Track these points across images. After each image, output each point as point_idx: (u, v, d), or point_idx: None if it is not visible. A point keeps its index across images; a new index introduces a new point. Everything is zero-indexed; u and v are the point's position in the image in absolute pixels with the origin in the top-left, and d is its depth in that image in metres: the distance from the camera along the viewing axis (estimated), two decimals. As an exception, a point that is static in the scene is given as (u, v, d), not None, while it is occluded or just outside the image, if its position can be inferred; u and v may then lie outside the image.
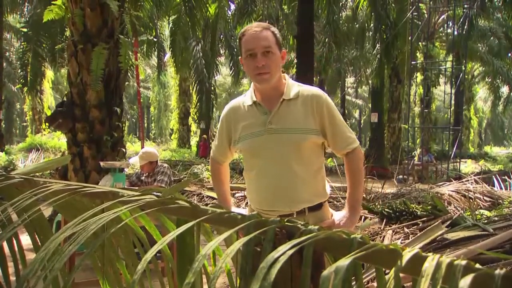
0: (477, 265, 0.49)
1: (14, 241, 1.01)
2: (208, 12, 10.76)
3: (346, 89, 25.44)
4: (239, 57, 1.72)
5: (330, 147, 1.72)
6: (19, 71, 13.60)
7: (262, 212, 1.67)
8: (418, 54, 15.40)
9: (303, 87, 1.70)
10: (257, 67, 1.58)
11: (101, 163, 4.25)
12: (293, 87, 1.68)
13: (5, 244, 1.00)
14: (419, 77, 16.32)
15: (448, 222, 3.96)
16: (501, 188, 6.68)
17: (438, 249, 3.35)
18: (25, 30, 13.06)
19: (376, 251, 0.55)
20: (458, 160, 12.68)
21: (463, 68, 13.65)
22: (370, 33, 15.13)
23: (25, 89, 13.85)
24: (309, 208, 1.65)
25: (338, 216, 1.69)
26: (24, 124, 25.12)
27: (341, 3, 13.80)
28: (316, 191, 1.68)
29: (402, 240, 3.98)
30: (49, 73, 19.18)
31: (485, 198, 5.68)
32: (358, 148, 1.72)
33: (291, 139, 1.61)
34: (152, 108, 31.79)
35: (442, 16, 17.32)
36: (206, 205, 0.81)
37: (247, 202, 7.10)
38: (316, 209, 1.68)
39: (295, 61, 8.89)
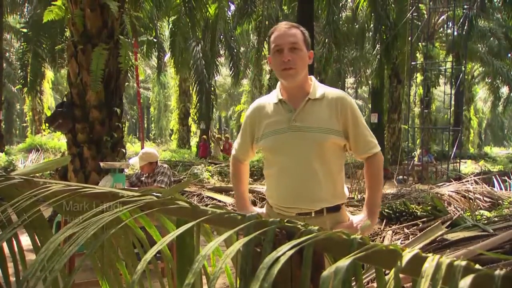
0: (477, 266, 0.49)
1: (14, 242, 1.01)
2: (208, 13, 10.78)
3: (346, 89, 25.45)
4: (268, 56, 1.75)
5: (351, 150, 1.73)
6: (19, 71, 13.62)
7: (281, 209, 1.69)
8: (418, 54, 15.40)
9: (328, 89, 1.73)
10: (283, 62, 1.61)
11: (101, 164, 4.25)
12: (319, 88, 1.71)
13: (5, 245, 1.00)
14: (419, 77, 16.32)
15: (448, 223, 3.96)
16: (501, 189, 6.68)
17: (438, 250, 3.35)
18: (25, 30, 13.07)
19: (376, 251, 0.55)
20: (458, 161, 12.68)
21: (463, 69, 13.63)
22: (370, 33, 15.14)
23: (25, 89, 13.84)
24: (327, 209, 1.66)
25: (356, 219, 1.70)
26: (24, 124, 25.09)
27: (341, 4, 13.81)
28: (335, 192, 1.69)
29: (402, 240, 3.98)
30: (49, 74, 19.18)
31: (485, 198, 5.68)
32: (379, 153, 1.74)
33: (314, 138, 1.62)
34: (152, 109, 31.80)
35: (442, 17, 17.33)
36: (206, 205, 0.81)
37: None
38: (335, 210, 1.69)
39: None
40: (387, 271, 0.55)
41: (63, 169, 5.45)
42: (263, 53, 15.30)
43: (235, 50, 15.27)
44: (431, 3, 13.02)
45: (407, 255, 0.53)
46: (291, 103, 1.68)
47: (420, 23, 12.76)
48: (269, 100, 1.75)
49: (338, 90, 1.76)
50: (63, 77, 22.60)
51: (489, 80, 20.25)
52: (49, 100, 20.13)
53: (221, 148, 15.51)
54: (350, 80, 26.67)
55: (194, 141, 21.77)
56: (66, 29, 9.77)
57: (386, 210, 4.82)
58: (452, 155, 13.19)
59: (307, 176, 1.62)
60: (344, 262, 0.51)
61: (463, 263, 0.49)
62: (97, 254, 1.00)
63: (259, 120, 1.74)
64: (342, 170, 1.74)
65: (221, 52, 16.09)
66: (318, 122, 1.63)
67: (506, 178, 7.33)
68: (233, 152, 1.93)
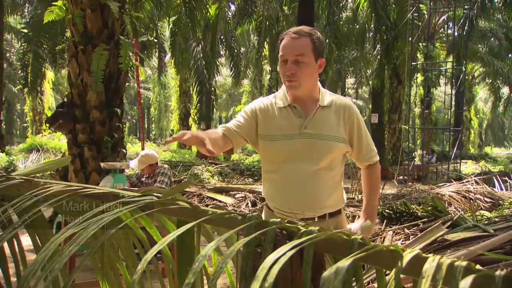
0: (478, 266, 0.49)
1: (15, 242, 1.01)
2: (208, 13, 10.77)
3: (346, 90, 25.44)
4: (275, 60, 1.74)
5: (353, 158, 1.76)
6: (20, 72, 13.62)
7: (283, 213, 1.66)
8: (418, 55, 15.38)
9: (335, 96, 1.74)
10: (286, 74, 1.59)
11: (102, 164, 4.25)
12: (326, 95, 1.71)
13: (6, 245, 1.00)
14: (419, 78, 16.31)
15: (449, 223, 3.96)
16: (501, 189, 6.68)
17: (439, 250, 3.35)
18: (25, 31, 13.07)
19: (376, 252, 0.55)
20: (459, 161, 12.67)
21: (463, 69, 13.63)
22: (371, 34, 15.12)
23: (26, 90, 13.85)
24: (329, 214, 1.69)
25: (354, 226, 1.74)
26: (25, 125, 25.12)
27: (341, 4, 13.78)
28: (337, 198, 1.72)
29: (402, 241, 3.98)
30: (50, 74, 19.17)
31: (485, 199, 5.68)
32: (378, 162, 1.80)
33: (324, 145, 1.62)
34: (153, 109, 31.77)
35: (443, 17, 17.31)
36: (207, 206, 0.81)
37: (247, 203, 7.05)
38: (336, 214, 1.73)
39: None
40: (387, 272, 0.55)
41: (63, 170, 5.46)
42: (263, 54, 15.25)
43: (236, 51, 15.25)
44: (431, 3, 12.99)
45: (407, 256, 0.53)
46: (302, 109, 1.65)
47: (420, 24, 12.75)
48: (275, 102, 1.69)
49: (344, 98, 1.76)
50: (64, 77, 22.57)
51: (490, 81, 20.23)
52: (49, 101, 20.12)
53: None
54: (350, 81, 26.68)
55: (194, 141, 21.70)
56: (66, 30, 9.78)
57: (386, 210, 4.82)
58: (453, 155, 13.18)
59: (313, 183, 1.61)
60: (345, 263, 0.51)
61: (464, 263, 0.49)
62: (97, 254, 1.00)
63: (264, 116, 1.66)
64: (342, 176, 1.77)
65: (222, 52, 16.07)
66: (328, 130, 1.63)
67: (506, 178, 7.32)
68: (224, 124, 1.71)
